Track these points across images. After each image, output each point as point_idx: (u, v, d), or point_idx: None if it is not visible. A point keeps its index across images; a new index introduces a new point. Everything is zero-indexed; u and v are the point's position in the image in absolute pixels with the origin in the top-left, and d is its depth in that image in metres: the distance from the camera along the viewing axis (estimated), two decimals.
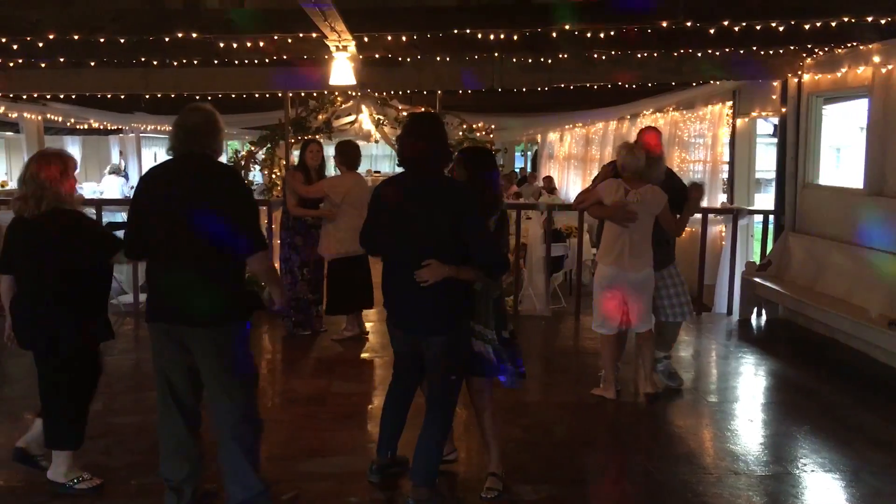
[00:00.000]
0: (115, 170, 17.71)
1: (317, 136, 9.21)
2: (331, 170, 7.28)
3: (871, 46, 6.62)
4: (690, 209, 5.56)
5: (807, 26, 6.31)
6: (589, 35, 6.65)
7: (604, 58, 7.88)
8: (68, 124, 13.93)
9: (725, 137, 9.21)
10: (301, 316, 7.10)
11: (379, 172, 21.70)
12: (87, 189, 15.27)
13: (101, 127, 14.94)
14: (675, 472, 4.32)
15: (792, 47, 7.29)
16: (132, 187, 17.77)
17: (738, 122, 8.99)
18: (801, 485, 4.20)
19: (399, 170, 3.94)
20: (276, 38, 6.77)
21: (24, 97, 10.83)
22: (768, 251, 8.31)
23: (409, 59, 7.95)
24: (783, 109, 8.04)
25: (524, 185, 15.61)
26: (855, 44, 6.76)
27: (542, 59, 8.03)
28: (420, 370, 3.94)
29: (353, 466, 4.32)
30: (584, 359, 6.68)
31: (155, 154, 19.61)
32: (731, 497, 4.02)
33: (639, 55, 7.83)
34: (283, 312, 6.99)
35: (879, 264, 6.39)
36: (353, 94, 9.44)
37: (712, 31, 6.48)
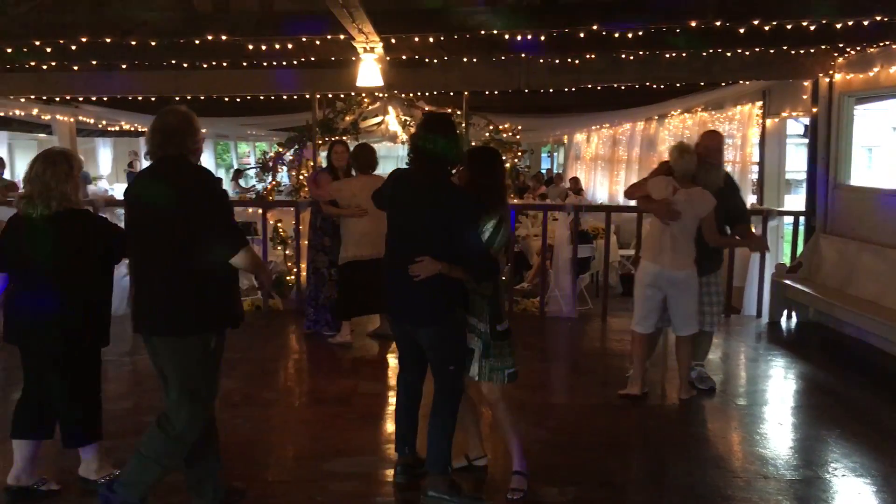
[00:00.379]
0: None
1: (343, 138, 9.26)
2: None
3: None
4: (736, 243, 5.54)
5: (838, 25, 6.24)
6: (617, 35, 6.62)
7: (632, 58, 7.84)
8: (100, 126, 14.14)
9: (755, 138, 9.13)
10: (328, 317, 7.13)
11: None
12: (119, 190, 15.47)
13: (132, 129, 15.14)
14: (704, 476, 4.28)
15: (823, 46, 7.21)
16: None
17: (769, 122, 8.89)
18: (831, 489, 4.15)
19: None
20: (304, 40, 6.82)
21: (57, 99, 11.02)
22: (798, 253, 8.21)
23: (435, 61, 7.97)
24: (814, 109, 7.95)
25: (550, 185, 15.59)
26: (888, 43, 6.66)
27: (568, 60, 8.01)
28: (423, 361, 4.01)
29: (379, 466, 4.34)
30: (610, 361, 6.64)
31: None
32: (760, 501, 3.98)
33: (667, 55, 7.78)
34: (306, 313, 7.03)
35: None
36: (380, 95, 9.48)
37: (742, 30, 6.42)
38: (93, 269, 3.80)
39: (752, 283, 8.26)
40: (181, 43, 6.90)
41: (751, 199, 9.22)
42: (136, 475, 3.47)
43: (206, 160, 21.21)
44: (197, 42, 6.70)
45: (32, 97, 10.24)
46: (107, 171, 19.04)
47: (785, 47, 7.15)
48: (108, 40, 6.43)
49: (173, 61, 7.59)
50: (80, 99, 11.30)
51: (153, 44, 6.81)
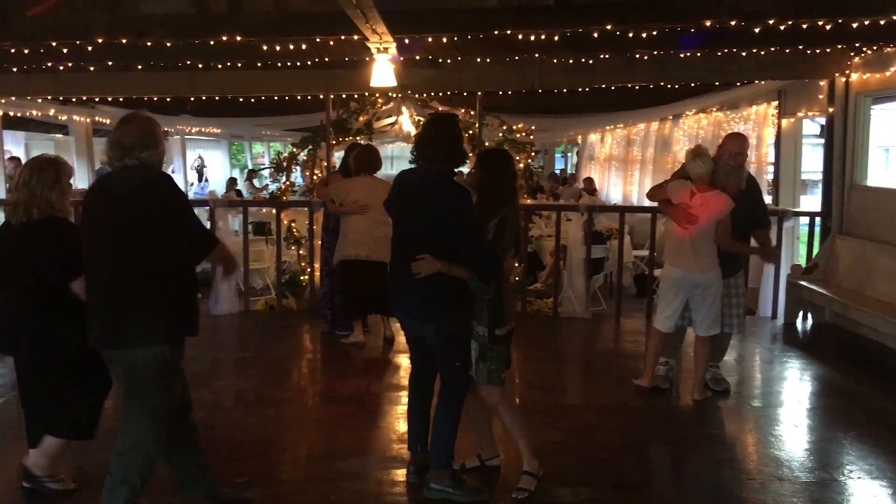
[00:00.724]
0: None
1: (358, 138, 9.28)
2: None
3: None
4: (748, 250, 5.53)
5: (854, 24, 6.18)
6: (630, 35, 6.60)
7: (646, 58, 7.81)
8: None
9: (770, 138, 9.07)
10: (342, 318, 7.14)
11: None
12: None
13: None
14: (718, 478, 4.26)
15: (839, 46, 7.15)
16: (191, 184, 18.19)
17: (784, 122, 8.84)
18: (846, 492, 4.12)
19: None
20: (318, 40, 6.84)
21: (74, 100, 11.10)
22: (814, 254, 8.15)
23: (449, 61, 7.97)
24: (830, 109, 7.89)
25: (564, 186, 15.56)
26: None
27: (582, 60, 7.99)
28: (432, 359, 4.03)
29: (391, 466, 4.34)
30: (624, 361, 6.62)
31: (199, 155, 19.96)
32: (774, 503, 3.96)
33: (682, 55, 7.74)
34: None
35: None
36: (394, 95, 9.49)
37: (757, 30, 6.38)
38: (62, 276, 3.65)
39: (768, 284, 8.22)
40: (196, 43, 6.93)
41: (766, 200, 9.17)
42: (105, 499, 3.36)
43: (222, 160, 21.37)
44: (212, 43, 6.73)
45: (49, 98, 10.32)
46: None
47: (801, 47, 7.10)
48: (124, 41, 6.47)
49: (188, 62, 7.62)
50: (97, 99, 11.38)
51: (168, 44, 6.85)
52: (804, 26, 6.30)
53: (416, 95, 9.67)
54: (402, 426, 4.97)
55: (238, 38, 6.35)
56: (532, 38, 6.66)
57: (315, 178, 9.23)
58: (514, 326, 4.06)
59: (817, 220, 8.29)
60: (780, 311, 8.05)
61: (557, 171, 20.78)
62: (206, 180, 18.14)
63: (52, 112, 11.39)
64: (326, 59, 7.37)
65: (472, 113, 9.10)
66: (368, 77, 6.80)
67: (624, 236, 8.30)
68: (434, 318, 3.88)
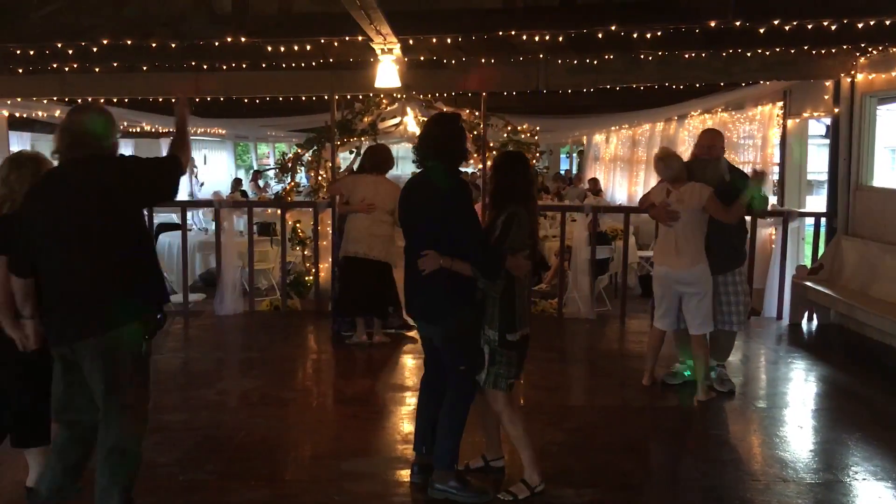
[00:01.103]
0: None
1: (362, 139, 9.28)
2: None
3: None
4: (743, 198, 5.39)
5: (860, 25, 6.17)
6: (635, 35, 6.60)
7: (650, 58, 7.80)
8: (121, 128, 14.24)
9: (776, 138, 9.05)
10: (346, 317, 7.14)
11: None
12: None
13: (153, 130, 15.27)
14: (722, 479, 4.25)
15: (845, 46, 7.14)
16: (202, 184, 18.17)
17: (790, 122, 8.82)
18: (851, 493, 4.11)
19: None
20: (322, 41, 6.85)
21: (79, 101, 11.10)
22: (820, 254, 8.14)
23: (453, 62, 7.97)
24: (836, 110, 7.87)
25: (569, 186, 15.55)
26: None
27: (587, 60, 7.98)
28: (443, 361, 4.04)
29: (396, 467, 4.35)
30: (629, 362, 6.61)
31: (204, 156, 19.97)
32: None
33: (687, 55, 7.73)
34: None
35: None
36: (399, 96, 9.49)
37: (762, 30, 6.38)
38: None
39: (773, 284, 8.20)
40: (201, 45, 6.95)
41: (771, 200, 9.15)
42: None
43: (227, 161, 21.39)
44: (216, 44, 6.74)
45: (55, 99, 10.34)
46: None
47: (806, 47, 7.09)
48: (129, 42, 6.49)
49: (193, 63, 7.64)
50: (102, 100, 11.40)
51: (173, 45, 6.86)
52: (809, 26, 6.30)
53: (421, 96, 9.66)
54: (406, 427, 4.98)
55: (243, 40, 6.36)
56: (536, 38, 6.67)
57: (320, 178, 9.23)
58: (529, 333, 4.03)
59: (823, 220, 8.26)
60: (786, 311, 8.03)
61: (562, 172, 20.78)
62: (199, 181, 17.85)
63: (57, 113, 11.39)
64: (331, 60, 7.37)
65: (477, 114, 9.09)
66: (373, 78, 6.81)
67: (629, 237, 8.28)
68: (438, 318, 3.92)
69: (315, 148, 9.32)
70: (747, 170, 5.98)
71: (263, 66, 7.98)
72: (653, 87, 8.70)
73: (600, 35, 6.60)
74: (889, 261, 6.92)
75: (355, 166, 11.05)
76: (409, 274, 3.95)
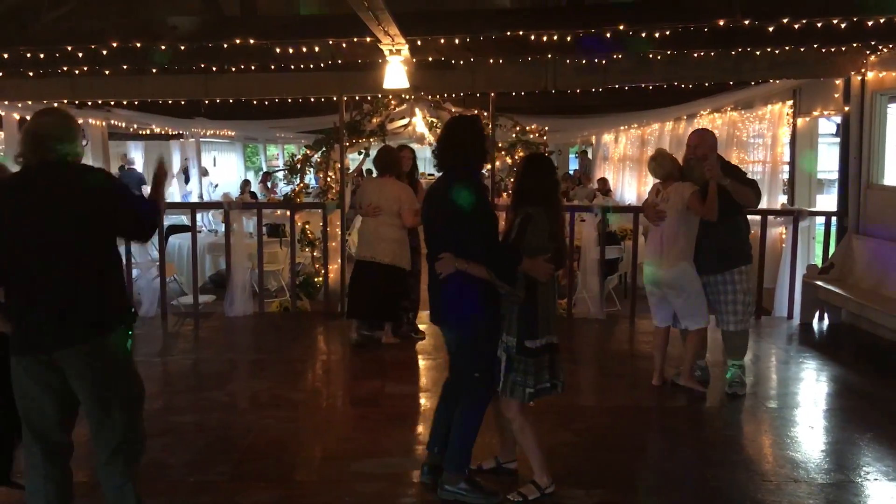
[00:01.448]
0: (202, 171, 18.22)
1: (371, 140, 9.30)
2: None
3: None
4: (713, 189, 5.30)
5: (870, 22, 6.15)
6: (644, 35, 6.58)
7: (659, 58, 7.79)
8: (131, 130, 14.32)
9: (786, 137, 9.02)
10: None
11: (433, 175, 21.75)
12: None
13: (163, 132, 15.33)
14: (733, 479, 4.24)
15: (855, 44, 7.09)
16: (215, 185, 18.21)
17: (799, 121, 8.78)
18: (863, 493, 4.09)
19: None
20: (331, 42, 6.86)
21: (89, 104, 11.17)
22: (831, 254, 8.10)
23: (462, 62, 7.97)
24: (846, 108, 7.84)
25: (578, 186, 15.53)
26: None
27: (596, 60, 7.97)
28: None
29: (406, 467, 4.35)
30: (638, 363, 6.60)
31: (214, 158, 20.05)
32: None
33: (696, 54, 7.71)
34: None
35: None
36: (407, 97, 9.50)
37: (771, 28, 6.35)
38: None
39: (783, 284, 8.17)
40: (210, 47, 6.98)
41: (781, 199, 9.11)
42: None
43: (236, 163, 21.45)
44: (225, 46, 6.77)
45: (65, 101, 10.39)
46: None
47: (815, 45, 7.05)
48: (138, 45, 6.51)
49: (202, 65, 7.66)
50: (112, 103, 11.46)
51: (182, 48, 6.89)
52: (819, 24, 6.27)
53: (429, 97, 9.67)
54: (416, 427, 4.99)
55: (251, 41, 6.38)
56: (545, 38, 6.66)
57: (328, 179, 9.26)
58: (557, 342, 3.98)
59: (833, 219, 8.23)
60: (797, 311, 8.00)
61: (571, 172, 20.73)
62: (213, 183, 17.89)
63: None
64: (339, 62, 7.39)
65: (486, 114, 9.09)
66: (381, 79, 6.82)
67: (638, 237, 8.26)
68: (453, 322, 3.94)
69: (324, 149, 9.34)
70: (757, 169, 5.98)
71: (272, 67, 8.00)
72: (661, 86, 8.68)
73: (609, 35, 6.59)
74: None
75: (364, 167, 11.08)
76: (430, 277, 3.97)
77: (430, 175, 21.72)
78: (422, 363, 6.54)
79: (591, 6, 6.26)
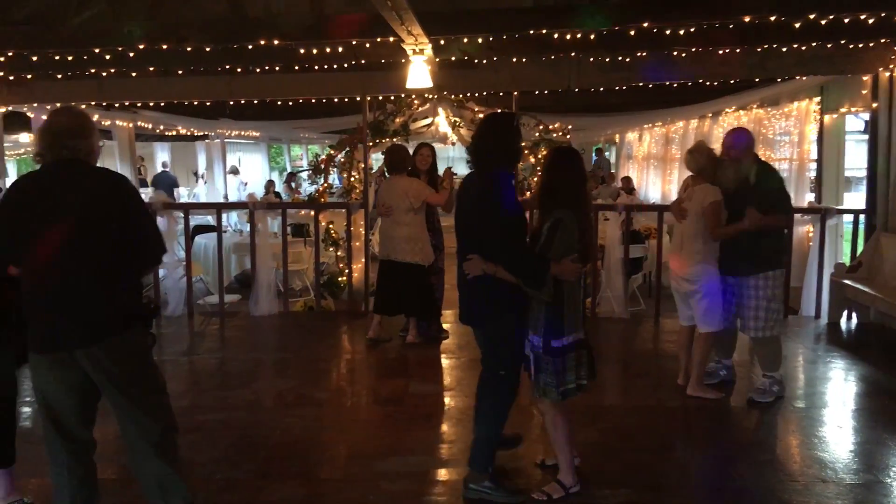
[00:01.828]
0: (233, 170, 18.31)
1: (394, 139, 9.32)
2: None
3: None
4: (732, 229, 5.25)
5: None
6: (668, 32, 6.54)
7: (684, 55, 7.73)
8: (157, 131, 14.47)
9: (813, 134, 8.93)
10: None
11: (456, 175, 21.73)
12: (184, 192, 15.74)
13: (189, 133, 15.48)
14: (760, 479, 4.20)
15: (883, 40, 7.01)
16: (245, 184, 18.32)
17: (827, 118, 8.69)
18: (892, 494, 4.03)
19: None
20: (354, 43, 6.89)
21: (116, 105, 11.31)
22: (858, 252, 8.00)
23: (484, 61, 7.97)
24: (874, 105, 7.74)
25: (602, 185, 15.47)
26: None
27: (619, 58, 7.93)
28: None
29: (430, 466, 4.36)
30: (663, 362, 6.56)
31: (238, 158, 20.21)
32: None
33: (721, 51, 7.65)
34: None
35: None
36: (430, 97, 9.51)
37: (798, 24, 6.28)
38: None
39: (811, 283, 8.08)
40: (234, 48, 7.03)
41: (808, 198, 9.02)
42: (171, 497, 3.35)
43: (260, 163, 21.60)
44: (250, 47, 6.82)
45: (93, 103, 10.53)
46: None
47: (843, 41, 6.97)
48: (165, 47, 6.58)
49: (227, 66, 7.72)
50: (139, 104, 11.59)
51: (208, 49, 6.95)
52: (846, 20, 6.20)
53: (452, 96, 9.68)
54: (440, 426, 5.00)
55: (275, 42, 6.43)
56: (568, 36, 6.64)
57: (352, 179, 9.30)
58: (584, 337, 3.93)
59: (861, 217, 8.13)
60: (824, 310, 7.92)
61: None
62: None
63: (95, 118, 11.59)
64: (363, 62, 7.42)
65: (507, 112, 9.09)
66: (404, 79, 6.83)
67: (663, 236, 8.21)
68: (477, 320, 3.96)
69: (347, 149, 9.38)
70: (783, 167, 5.89)
71: (296, 68, 8.05)
72: (686, 83, 8.62)
73: (633, 32, 6.56)
74: None
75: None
76: (459, 275, 3.97)
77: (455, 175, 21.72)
78: (446, 362, 6.55)
79: (615, 3, 6.22)
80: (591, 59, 7.97)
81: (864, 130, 9.36)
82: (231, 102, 10.76)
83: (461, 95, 9.73)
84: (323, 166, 9.53)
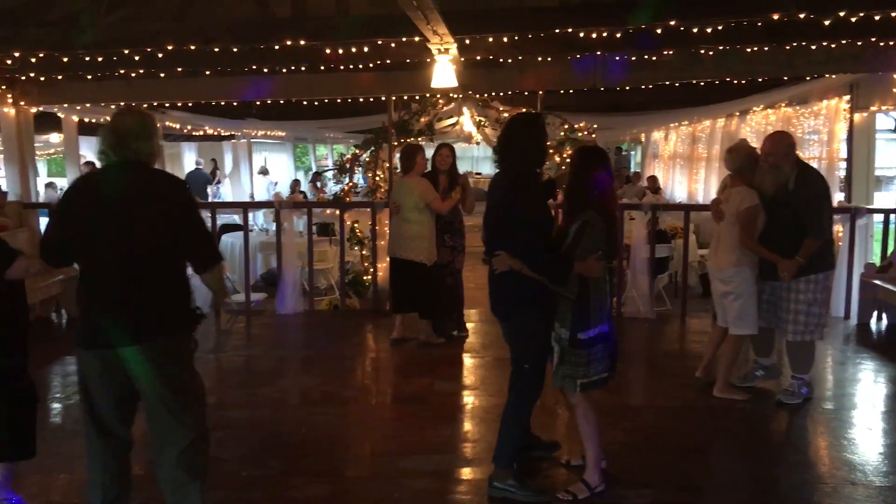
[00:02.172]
0: (263, 170, 18.42)
1: (419, 139, 9.34)
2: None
3: None
4: (763, 253, 5.18)
5: None
6: (695, 30, 6.49)
7: (711, 53, 7.67)
8: (185, 131, 14.61)
9: (842, 133, 8.82)
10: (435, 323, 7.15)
11: (480, 174, 21.75)
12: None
13: (216, 133, 15.61)
14: (788, 481, 4.16)
15: None
16: (275, 183, 18.43)
17: (856, 116, 8.58)
18: None
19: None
20: (379, 42, 6.91)
21: (145, 106, 11.42)
22: (889, 252, 7.90)
23: (510, 60, 7.96)
24: None
25: (628, 184, 15.39)
26: None
27: (645, 57, 7.88)
28: None
29: (455, 464, 4.37)
30: (689, 362, 6.50)
31: (265, 158, 20.36)
32: None
33: (748, 49, 7.57)
34: None
35: None
36: (455, 96, 9.52)
37: (827, 22, 6.21)
38: None
39: (840, 283, 7.97)
40: (261, 48, 7.09)
41: (838, 197, 8.91)
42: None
43: (286, 163, 21.75)
44: (276, 47, 6.87)
45: (122, 104, 10.65)
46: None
47: (873, 38, 6.87)
48: (193, 47, 6.64)
49: (254, 66, 7.78)
50: (167, 105, 11.71)
51: (235, 50, 7.01)
52: (877, 17, 6.11)
53: (477, 96, 9.68)
54: (464, 424, 5.00)
55: (301, 42, 6.46)
56: (594, 35, 6.61)
57: (377, 178, 9.32)
58: (610, 331, 3.91)
59: (892, 217, 8.02)
60: (854, 311, 7.82)
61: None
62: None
63: None
64: (388, 62, 7.44)
65: (534, 112, 9.08)
66: (429, 78, 6.85)
67: (689, 235, 8.15)
68: (504, 315, 4.00)
69: (372, 149, 9.41)
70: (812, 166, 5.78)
71: (322, 68, 8.08)
72: (713, 82, 8.55)
73: (659, 30, 6.52)
74: None
75: None
76: (489, 270, 4.00)
77: (477, 174, 21.73)
78: (469, 361, 6.55)
79: (641, 1, 6.17)
80: (617, 58, 7.93)
81: (895, 129, 9.22)
82: (257, 102, 10.83)
83: (486, 95, 9.72)
84: (348, 166, 9.57)
